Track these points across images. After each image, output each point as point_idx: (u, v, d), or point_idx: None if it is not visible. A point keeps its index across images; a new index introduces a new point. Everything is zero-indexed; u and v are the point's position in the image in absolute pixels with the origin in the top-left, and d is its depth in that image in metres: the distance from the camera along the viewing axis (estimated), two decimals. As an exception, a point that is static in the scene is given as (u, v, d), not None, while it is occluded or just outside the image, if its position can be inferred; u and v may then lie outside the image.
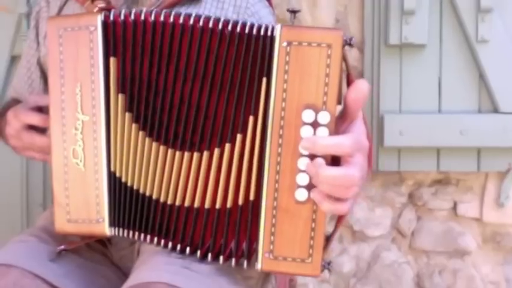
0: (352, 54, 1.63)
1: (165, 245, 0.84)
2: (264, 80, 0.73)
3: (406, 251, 1.68)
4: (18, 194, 1.64)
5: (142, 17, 0.80)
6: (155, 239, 0.84)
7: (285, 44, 0.70)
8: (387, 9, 1.54)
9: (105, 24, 0.81)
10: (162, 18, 0.79)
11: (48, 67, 0.84)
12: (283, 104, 0.70)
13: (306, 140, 0.67)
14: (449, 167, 1.57)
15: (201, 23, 0.77)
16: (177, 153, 0.80)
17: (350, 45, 0.69)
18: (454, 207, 1.65)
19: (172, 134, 0.80)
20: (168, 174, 0.82)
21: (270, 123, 0.71)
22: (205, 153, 0.79)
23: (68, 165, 0.83)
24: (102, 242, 1.00)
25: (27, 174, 1.64)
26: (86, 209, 0.84)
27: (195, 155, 0.79)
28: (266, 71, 0.73)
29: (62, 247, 0.89)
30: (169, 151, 0.81)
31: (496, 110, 1.54)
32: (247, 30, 0.75)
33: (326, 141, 0.66)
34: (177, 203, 0.82)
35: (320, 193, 0.68)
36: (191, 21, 0.78)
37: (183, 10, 0.86)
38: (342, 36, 0.68)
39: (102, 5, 0.84)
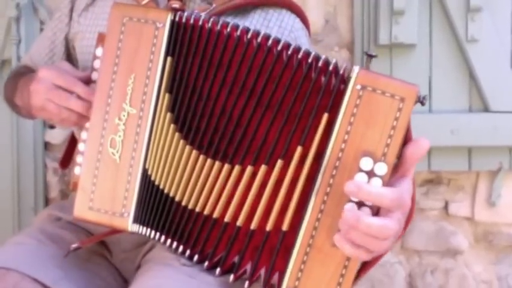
0: (342, 54, 1.63)
1: (176, 248, 0.84)
2: (325, 115, 0.72)
3: (398, 251, 1.68)
4: (9, 198, 1.64)
5: (200, 22, 0.80)
6: (168, 241, 0.84)
7: (358, 87, 0.68)
8: (377, 9, 1.53)
9: (173, 24, 0.81)
10: (218, 27, 0.79)
11: (103, 52, 0.83)
12: (343, 145, 0.69)
13: (352, 182, 0.66)
14: (440, 167, 1.57)
15: (259, 39, 0.77)
16: (208, 161, 0.80)
17: (421, 103, 0.68)
18: (446, 206, 1.64)
19: (207, 141, 0.80)
20: (194, 179, 0.82)
21: (326, 162, 0.70)
22: (237, 167, 0.78)
23: (102, 152, 0.83)
24: (100, 244, 1.00)
25: (18, 178, 1.64)
26: (111, 200, 0.83)
27: (226, 166, 0.79)
28: (330, 107, 0.71)
29: (76, 245, 0.88)
30: (201, 157, 0.81)
31: (486, 109, 1.54)
32: (310, 60, 0.74)
33: (370, 189, 0.65)
34: (198, 209, 0.82)
35: (344, 238, 0.67)
36: (248, 35, 0.78)
37: (230, 20, 0.86)
38: (417, 92, 0.67)
39: (176, 5, 0.84)
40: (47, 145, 1.70)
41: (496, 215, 1.62)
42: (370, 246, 0.66)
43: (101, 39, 0.89)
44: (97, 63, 0.89)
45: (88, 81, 0.90)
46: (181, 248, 0.84)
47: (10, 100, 1.11)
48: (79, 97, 0.87)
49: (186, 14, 0.81)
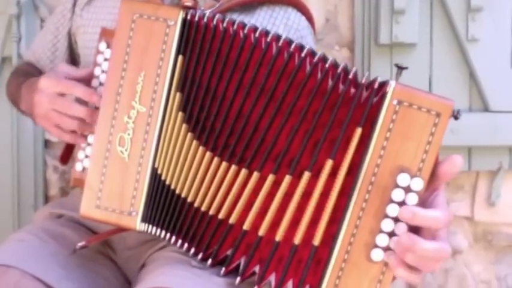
0: (343, 53, 1.63)
1: (188, 250, 0.84)
2: (359, 130, 0.70)
3: (398, 250, 1.67)
4: (9, 195, 1.64)
5: (214, 22, 0.79)
6: (179, 242, 0.84)
7: (395, 102, 0.68)
8: (377, 8, 1.53)
9: (184, 22, 0.81)
10: (234, 27, 0.78)
11: (112, 49, 0.83)
12: (379, 160, 0.68)
13: (406, 209, 0.66)
14: (440, 166, 1.57)
15: (280, 43, 0.76)
16: (224, 164, 0.80)
17: (455, 117, 0.68)
18: (445, 206, 1.64)
19: (222, 143, 0.79)
20: (208, 181, 0.81)
21: (361, 178, 0.69)
22: (255, 174, 0.77)
23: (110, 151, 0.82)
24: (103, 242, 1.00)
25: (18, 176, 1.63)
26: (119, 199, 0.83)
27: (243, 171, 0.78)
28: (363, 121, 0.70)
29: (83, 243, 0.88)
30: (216, 159, 0.80)
31: (486, 109, 1.53)
32: (339, 71, 0.73)
33: (426, 214, 0.65)
34: (211, 212, 0.81)
35: (398, 259, 0.67)
36: (268, 39, 0.77)
37: (236, 17, 0.86)
38: (452, 107, 0.67)
39: (189, 3, 0.83)
40: (47, 143, 1.69)
41: (495, 215, 1.61)
42: (425, 269, 0.66)
43: (104, 34, 0.88)
44: (100, 58, 0.88)
45: (90, 77, 0.89)
46: (193, 250, 0.83)
47: (14, 102, 1.10)
48: (81, 102, 0.87)
49: (198, 12, 0.81)
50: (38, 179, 1.66)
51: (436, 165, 0.68)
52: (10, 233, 1.46)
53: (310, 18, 1.07)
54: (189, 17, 0.81)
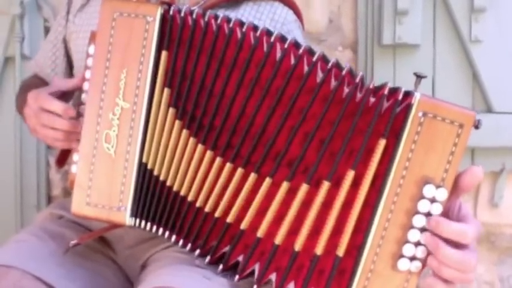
0: (346, 54, 1.63)
1: (192, 250, 0.83)
2: (383, 141, 0.69)
3: (401, 251, 1.67)
4: (12, 195, 1.64)
5: (206, 19, 0.79)
6: (181, 241, 0.83)
7: (420, 114, 0.67)
8: (380, 9, 1.53)
9: (164, 18, 0.81)
10: (230, 25, 0.78)
11: (95, 48, 0.83)
12: (404, 172, 0.68)
13: (434, 220, 0.66)
14: (443, 167, 1.57)
15: (286, 45, 0.75)
16: (228, 165, 0.78)
17: (476, 127, 0.68)
18: (448, 207, 1.64)
19: (224, 142, 0.78)
20: (211, 181, 0.80)
21: (387, 189, 0.69)
22: (268, 180, 0.76)
23: (97, 148, 0.83)
24: (103, 242, 1.00)
25: (20, 176, 1.64)
26: (108, 195, 0.83)
27: (252, 175, 0.77)
28: (387, 133, 0.69)
29: (75, 241, 0.88)
30: (218, 159, 0.79)
31: (489, 110, 1.53)
32: (357, 80, 0.72)
33: (453, 227, 0.65)
34: (217, 214, 0.80)
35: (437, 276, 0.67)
36: (272, 39, 0.75)
37: (221, 13, 0.86)
38: (474, 118, 0.67)
39: None
40: (49, 143, 1.70)
41: (498, 216, 1.61)
42: (454, 278, 0.66)
43: (93, 37, 0.89)
44: (90, 61, 0.89)
45: (82, 82, 0.90)
46: (198, 251, 0.83)
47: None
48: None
49: (184, 8, 0.81)
50: (41, 179, 1.66)
51: (458, 178, 0.68)
52: (13, 233, 1.46)
53: (297, 12, 1.06)
54: (171, 12, 0.80)
